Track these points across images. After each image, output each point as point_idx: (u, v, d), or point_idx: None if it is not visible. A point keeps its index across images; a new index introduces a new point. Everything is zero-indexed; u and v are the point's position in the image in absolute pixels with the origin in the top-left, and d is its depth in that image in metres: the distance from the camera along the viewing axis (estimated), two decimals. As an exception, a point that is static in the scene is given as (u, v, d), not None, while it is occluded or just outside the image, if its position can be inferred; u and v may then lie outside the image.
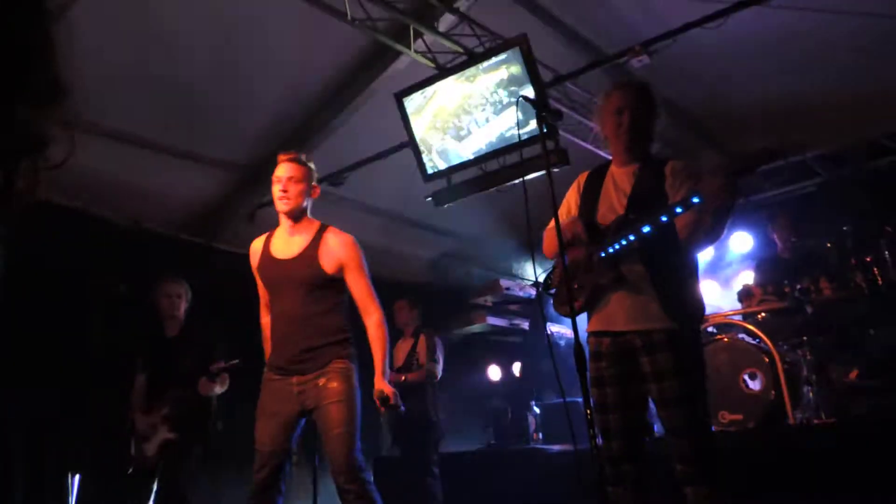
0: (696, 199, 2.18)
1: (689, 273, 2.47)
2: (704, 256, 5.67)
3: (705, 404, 2.35)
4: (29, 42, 0.77)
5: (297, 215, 2.94)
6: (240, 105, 4.90)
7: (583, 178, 2.72)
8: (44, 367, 4.26)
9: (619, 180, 2.57)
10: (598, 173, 2.67)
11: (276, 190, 2.90)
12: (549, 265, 2.78)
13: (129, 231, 5.20)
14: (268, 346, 2.99)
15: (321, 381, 2.77)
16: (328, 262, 2.86)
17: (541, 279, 2.78)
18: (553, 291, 2.64)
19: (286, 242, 2.94)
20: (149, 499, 3.95)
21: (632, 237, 2.32)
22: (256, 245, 3.05)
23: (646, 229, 2.29)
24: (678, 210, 2.23)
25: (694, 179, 2.37)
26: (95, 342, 4.13)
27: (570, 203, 2.71)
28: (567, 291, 2.31)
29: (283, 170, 2.92)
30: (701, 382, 2.37)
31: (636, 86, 2.64)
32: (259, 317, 3.09)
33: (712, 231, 2.31)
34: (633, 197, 2.48)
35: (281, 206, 2.90)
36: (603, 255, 2.42)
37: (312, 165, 3.01)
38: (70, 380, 4.32)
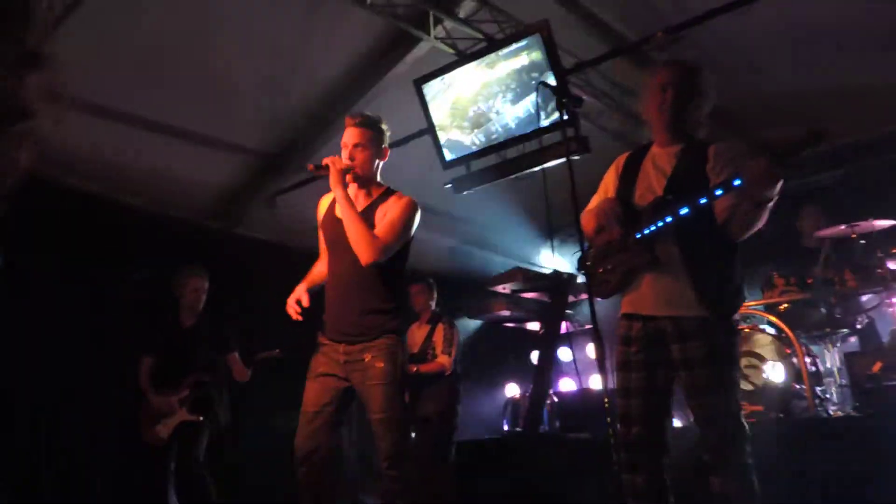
0: (736, 182, 2.12)
1: (728, 259, 2.38)
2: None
3: (736, 395, 2.30)
4: None
5: (365, 181, 2.85)
6: (261, 91, 4.92)
7: (622, 159, 2.66)
8: (66, 351, 4.34)
9: (660, 161, 2.50)
10: (638, 154, 2.60)
11: (344, 156, 2.79)
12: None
13: (151, 216, 5.26)
14: (306, 280, 2.92)
15: (367, 358, 2.69)
16: (379, 219, 2.76)
17: (558, 267, 2.76)
18: (588, 271, 2.57)
19: None
20: (167, 479, 4.04)
21: (669, 219, 2.27)
22: (324, 201, 2.98)
23: (683, 211, 2.23)
24: (718, 192, 2.17)
25: (737, 162, 2.28)
26: (117, 327, 4.20)
27: (607, 184, 2.65)
28: (597, 273, 2.27)
29: (349, 135, 2.81)
30: (732, 373, 2.31)
31: (685, 64, 2.55)
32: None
33: (751, 218, 2.21)
34: (673, 178, 2.41)
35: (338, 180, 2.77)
36: (638, 235, 2.37)
37: (383, 126, 2.89)
38: (90, 364, 4.39)
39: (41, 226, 4.39)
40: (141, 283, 4.37)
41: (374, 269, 2.71)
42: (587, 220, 2.56)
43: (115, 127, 4.60)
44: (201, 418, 4.05)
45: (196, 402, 4.08)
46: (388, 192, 2.86)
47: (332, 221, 2.86)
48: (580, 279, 2.60)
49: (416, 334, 5.13)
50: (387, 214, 2.77)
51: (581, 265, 2.58)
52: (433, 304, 5.25)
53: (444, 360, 4.92)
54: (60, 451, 4.32)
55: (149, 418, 4.11)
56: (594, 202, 2.64)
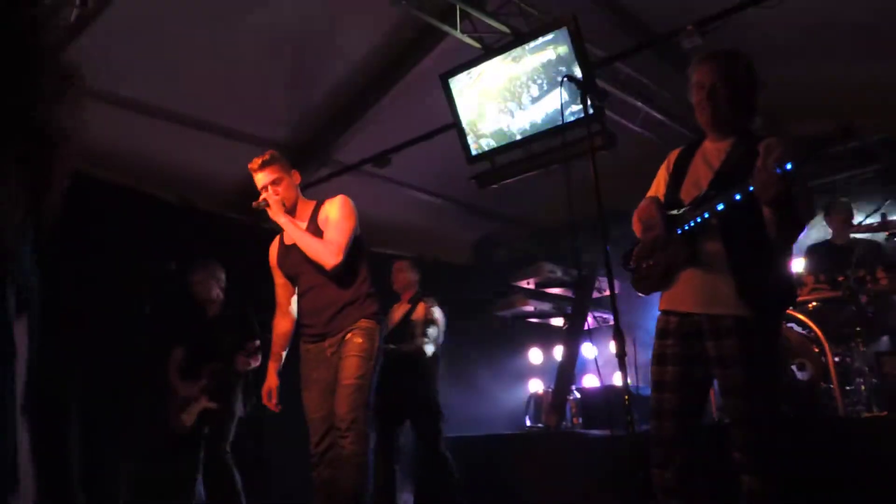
0: (751, 188, 2.09)
1: (776, 256, 2.30)
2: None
3: (773, 395, 2.26)
4: (35, 44, 0.77)
5: (293, 208, 3.06)
6: (287, 85, 4.96)
7: (674, 154, 2.61)
8: (96, 343, 4.43)
9: (710, 155, 2.45)
10: (690, 149, 2.56)
11: (269, 197, 3.01)
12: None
13: (178, 209, 5.33)
14: (275, 346, 3.18)
15: (348, 336, 2.89)
16: (324, 226, 2.99)
17: (590, 259, 2.75)
18: (632, 267, 2.56)
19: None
20: (196, 468, 4.12)
21: (706, 214, 2.24)
22: (273, 246, 3.21)
23: (720, 207, 2.20)
24: (737, 197, 2.14)
25: (762, 165, 2.19)
26: (145, 319, 4.27)
27: (658, 182, 2.61)
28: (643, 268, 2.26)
29: (260, 180, 3.05)
30: (770, 372, 2.25)
31: (722, 57, 2.45)
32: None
33: (777, 221, 2.14)
34: (720, 173, 2.35)
35: (277, 208, 3.01)
36: (679, 231, 2.34)
37: (276, 154, 3.11)
38: (121, 355, 4.47)
39: (69, 217, 4.47)
40: (168, 274, 4.44)
41: (338, 267, 2.90)
42: (634, 218, 2.56)
43: (142, 119, 4.67)
44: (218, 406, 4.15)
45: (216, 390, 4.19)
46: (318, 204, 3.08)
47: (285, 253, 3.10)
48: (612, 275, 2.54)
49: (396, 313, 4.79)
50: (328, 218, 2.97)
51: (625, 262, 2.58)
52: (415, 284, 4.88)
53: (422, 341, 4.50)
54: (91, 440, 4.40)
55: (175, 407, 4.22)
56: (644, 201, 2.59)
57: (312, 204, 3.10)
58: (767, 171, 2.02)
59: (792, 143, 2.06)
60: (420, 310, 4.66)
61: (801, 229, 2.22)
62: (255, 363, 4.26)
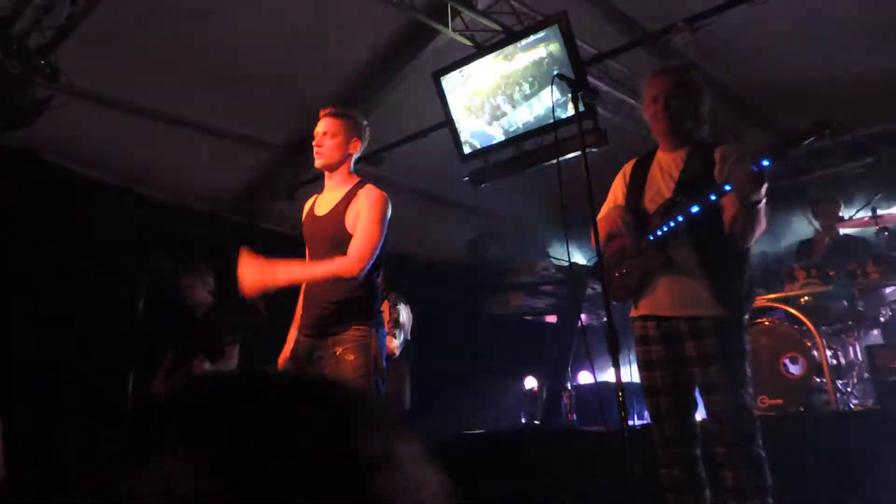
0: (727, 188, 2.16)
1: (741, 256, 2.41)
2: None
3: (748, 389, 2.32)
4: None
5: (332, 169, 2.86)
6: (281, 85, 4.95)
7: (629, 166, 2.70)
8: (91, 341, 4.43)
9: (666, 165, 2.53)
10: (645, 160, 2.64)
11: (314, 145, 2.84)
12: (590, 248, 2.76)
13: (174, 209, 5.33)
14: (298, 310, 2.92)
15: (338, 351, 2.66)
16: (351, 219, 2.73)
17: (575, 260, 2.78)
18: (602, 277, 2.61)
19: (325, 199, 2.87)
20: None
21: (680, 218, 2.30)
22: (307, 203, 3.00)
23: (694, 209, 2.26)
24: (712, 197, 2.20)
25: (737, 164, 2.29)
26: (140, 319, 4.27)
27: (615, 193, 2.69)
28: (616, 277, 2.30)
29: (320, 125, 2.86)
30: (744, 368, 2.33)
31: (674, 71, 2.57)
32: None
33: (747, 222, 2.24)
34: (682, 182, 2.44)
35: (316, 161, 2.84)
36: (651, 238, 2.40)
37: (358, 119, 2.90)
38: (116, 354, 4.47)
39: (66, 218, 4.48)
40: (163, 275, 4.44)
41: (358, 277, 2.68)
42: (600, 227, 2.56)
43: (138, 121, 4.67)
44: None
45: None
46: (358, 185, 2.83)
47: (309, 219, 2.90)
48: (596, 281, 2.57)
49: None
50: (358, 214, 2.73)
51: (597, 271, 2.60)
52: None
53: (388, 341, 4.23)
54: (82, 445, 4.40)
55: None
56: (604, 210, 2.68)
57: (354, 181, 2.85)
58: (746, 169, 2.10)
59: (756, 147, 2.14)
60: (384, 308, 4.31)
61: (762, 229, 2.29)
62: (223, 366, 4.25)
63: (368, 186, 2.82)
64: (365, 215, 2.71)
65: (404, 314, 4.50)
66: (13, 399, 4.16)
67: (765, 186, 2.14)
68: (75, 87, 3.80)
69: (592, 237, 2.39)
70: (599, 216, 2.58)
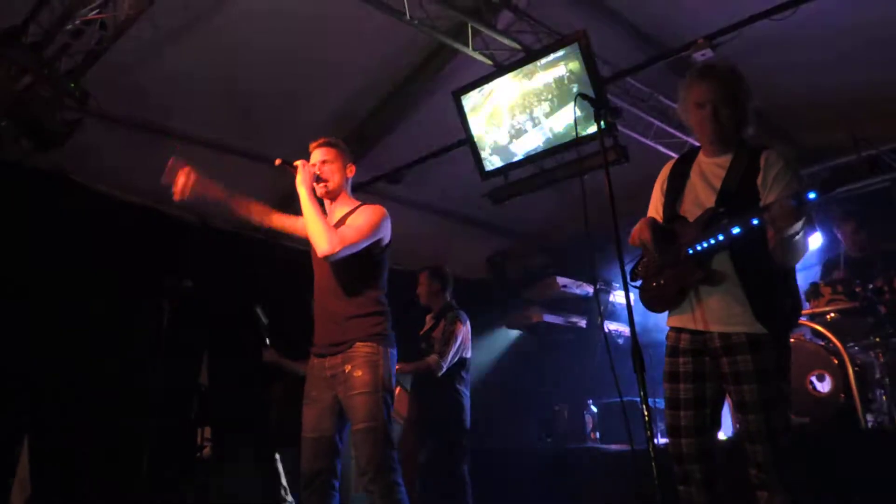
0: (755, 222, 2.15)
1: (784, 272, 2.33)
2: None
3: (785, 410, 2.26)
4: None
5: (335, 196, 2.97)
6: (299, 105, 5.01)
7: (666, 169, 2.59)
8: (115, 360, 4.48)
9: (708, 171, 2.43)
10: (684, 163, 2.54)
11: (317, 174, 2.91)
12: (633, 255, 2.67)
13: (196, 228, 5.39)
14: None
15: (347, 368, 2.70)
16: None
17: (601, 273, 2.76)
18: (639, 283, 2.56)
19: (330, 220, 2.92)
20: None
21: (721, 237, 2.25)
22: None
23: (735, 231, 2.21)
24: (754, 222, 2.16)
25: (783, 187, 2.23)
26: (164, 336, 4.31)
27: (655, 202, 2.59)
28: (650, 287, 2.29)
29: (314, 156, 2.96)
30: (782, 389, 2.26)
31: (721, 74, 2.45)
32: None
33: (784, 249, 2.19)
34: (723, 191, 2.35)
35: (319, 189, 2.91)
36: (690, 251, 2.34)
37: (345, 146, 3.04)
38: (141, 372, 4.52)
39: (94, 238, 4.55)
40: (185, 292, 4.48)
41: (347, 276, 2.79)
42: (632, 236, 2.55)
43: (163, 142, 4.74)
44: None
45: None
46: (360, 205, 2.96)
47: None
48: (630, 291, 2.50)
49: (426, 326, 4.66)
50: (355, 218, 2.86)
51: (632, 277, 2.57)
52: (442, 295, 4.65)
53: (432, 359, 4.33)
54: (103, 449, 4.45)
55: None
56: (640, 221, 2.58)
57: (355, 203, 2.97)
58: (783, 203, 2.07)
59: (806, 178, 2.10)
60: (440, 326, 4.49)
61: (803, 254, 2.26)
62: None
63: (367, 205, 2.95)
64: (360, 216, 2.85)
65: (460, 330, 4.48)
66: (40, 418, 4.22)
67: (802, 221, 2.08)
68: (103, 109, 3.88)
69: (616, 253, 2.35)
70: (636, 227, 2.52)
